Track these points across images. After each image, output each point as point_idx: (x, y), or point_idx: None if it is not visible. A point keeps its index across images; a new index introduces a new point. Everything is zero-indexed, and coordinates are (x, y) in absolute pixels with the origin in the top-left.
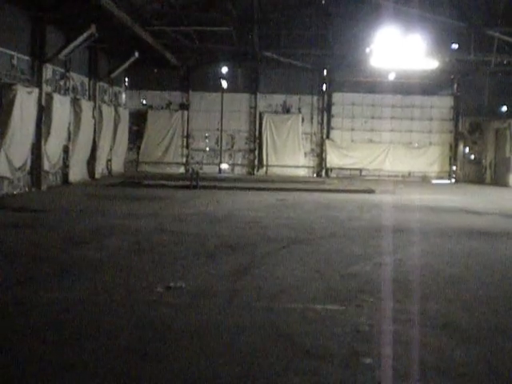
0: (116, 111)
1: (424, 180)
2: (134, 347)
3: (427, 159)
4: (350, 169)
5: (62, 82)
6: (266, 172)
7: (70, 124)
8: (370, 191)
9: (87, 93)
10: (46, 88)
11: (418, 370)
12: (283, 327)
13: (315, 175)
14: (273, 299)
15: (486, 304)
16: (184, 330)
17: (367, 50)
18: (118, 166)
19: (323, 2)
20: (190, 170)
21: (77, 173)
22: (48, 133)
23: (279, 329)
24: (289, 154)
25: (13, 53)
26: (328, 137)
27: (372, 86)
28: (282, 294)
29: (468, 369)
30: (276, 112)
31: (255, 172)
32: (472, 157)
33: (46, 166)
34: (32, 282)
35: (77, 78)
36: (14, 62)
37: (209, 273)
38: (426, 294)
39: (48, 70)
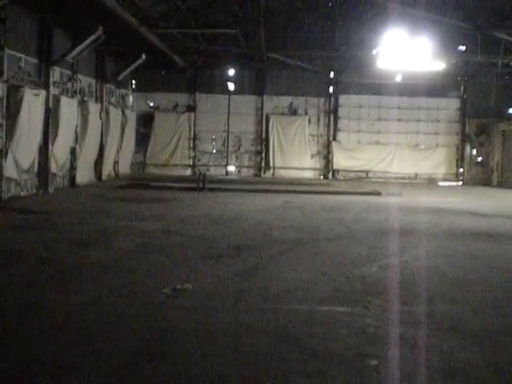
0: (123, 113)
1: (431, 182)
2: (140, 348)
3: (434, 161)
4: (357, 171)
5: (69, 84)
6: (273, 174)
7: (77, 126)
8: (377, 193)
9: (94, 95)
10: (54, 90)
11: (424, 372)
12: (289, 329)
13: (322, 177)
14: (279, 301)
15: (492, 306)
16: (190, 331)
17: (374, 51)
18: (124, 168)
19: (330, 4)
20: (197, 172)
21: (84, 175)
22: (55, 135)
23: (285, 330)
24: (295, 155)
25: (20, 55)
26: (335, 139)
27: (379, 87)
28: (288, 296)
29: (474, 371)
30: (283, 114)
31: (262, 174)
32: (479, 159)
33: (53, 168)
34: (39, 284)
35: (84, 80)
36: (22, 64)
37: (215, 274)
38: (433, 296)
39: (55, 73)
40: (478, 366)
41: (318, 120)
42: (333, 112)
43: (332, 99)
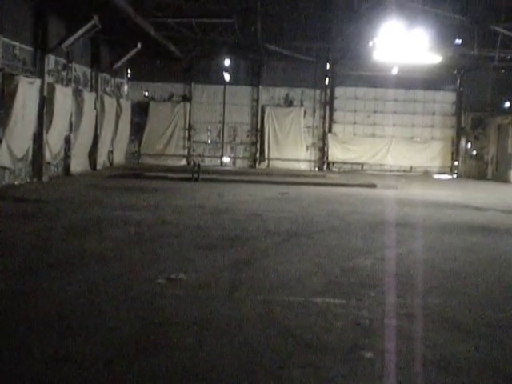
0: (118, 102)
1: (425, 175)
2: (133, 339)
3: (429, 154)
4: (352, 163)
5: (64, 73)
6: (268, 165)
7: (71, 115)
8: (372, 185)
9: (89, 84)
10: (48, 78)
11: (419, 365)
12: (283, 320)
13: (317, 169)
14: (273, 292)
15: (486, 299)
16: (184, 321)
17: (370, 43)
18: (119, 158)
19: None
20: (192, 162)
21: (78, 164)
22: (50, 123)
23: (279, 322)
24: (290, 147)
25: (15, 43)
26: (330, 131)
27: (375, 80)
28: (282, 287)
29: (468, 364)
30: (278, 105)
31: (257, 165)
32: (474, 152)
33: (48, 156)
34: (33, 273)
35: (79, 69)
36: (17, 52)
37: (210, 265)
38: (427, 289)
39: (50, 61)
40: (472, 359)
41: (314, 112)
42: (328, 104)
43: (328, 91)
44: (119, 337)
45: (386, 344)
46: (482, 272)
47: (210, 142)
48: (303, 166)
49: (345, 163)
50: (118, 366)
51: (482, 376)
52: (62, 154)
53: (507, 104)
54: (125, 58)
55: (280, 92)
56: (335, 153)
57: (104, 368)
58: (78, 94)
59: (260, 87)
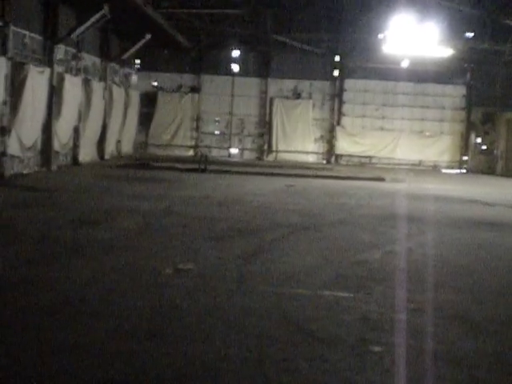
0: (126, 93)
1: (434, 169)
2: (141, 328)
3: (438, 148)
4: (360, 156)
5: (73, 63)
6: (276, 157)
7: (80, 104)
8: (380, 179)
9: (98, 74)
10: (58, 68)
11: (428, 360)
12: (291, 313)
13: (325, 162)
14: (281, 284)
15: (496, 295)
16: (192, 312)
17: (381, 36)
18: (127, 148)
19: None
20: (199, 153)
21: (86, 153)
22: (59, 113)
23: (287, 314)
24: (298, 139)
25: (25, 32)
26: (339, 123)
27: (385, 72)
28: (290, 280)
29: (478, 360)
30: (287, 97)
31: (264, 157)
32: (483, 147)
33: (56, 145)
34: (41, 262)
35: (88, 59)
36: (26, 41)
37: (217, 256)
38: (436, 284)
39: (60, 50)
40: (482, 354)
41: (323, 104)
42: (337, 96)
43: (337, 83)
44: (127, 326)
45: (395, 338)
46: (490, 267)
47: (217, 133)
48: (311, 159)
49: (353, 156)
50: (126, 355)
51: (492, 372)
52: (71, 143)
53: None
54: (134, 48)
55: (289, 84)
56: (343, 146)
57: (112, 357)
58: (87, 83)
59: (269, 79)
